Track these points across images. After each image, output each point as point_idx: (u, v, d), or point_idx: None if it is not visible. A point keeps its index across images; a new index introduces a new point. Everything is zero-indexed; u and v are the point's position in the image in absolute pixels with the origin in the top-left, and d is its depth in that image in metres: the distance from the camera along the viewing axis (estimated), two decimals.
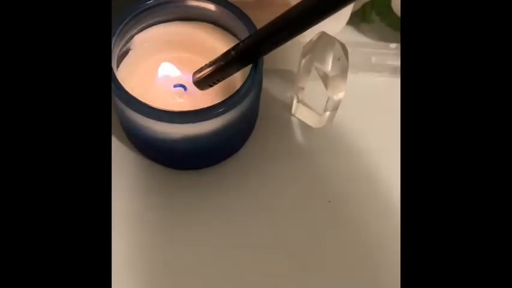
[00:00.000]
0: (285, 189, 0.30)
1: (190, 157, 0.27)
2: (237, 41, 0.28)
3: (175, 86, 0.28)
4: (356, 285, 0.27)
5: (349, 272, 0.28)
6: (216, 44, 0.29)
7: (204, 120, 0.24)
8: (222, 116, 0.24)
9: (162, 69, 0.27)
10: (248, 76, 0.25)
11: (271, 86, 0.33)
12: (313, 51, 0.28)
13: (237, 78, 0.28)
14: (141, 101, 0.24)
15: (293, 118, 0.32)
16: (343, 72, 0.28)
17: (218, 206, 0.29)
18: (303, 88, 0.30)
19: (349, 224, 0.29)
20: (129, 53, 0.28)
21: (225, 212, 0.29)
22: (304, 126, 0.32)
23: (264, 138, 0.31)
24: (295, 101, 0.31)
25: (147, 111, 0.24)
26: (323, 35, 0.28)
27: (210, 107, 0.24)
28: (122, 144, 0.30)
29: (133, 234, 0.28)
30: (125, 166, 0.29)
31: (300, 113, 0.32)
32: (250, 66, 0.26)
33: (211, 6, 0.27)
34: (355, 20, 0.35)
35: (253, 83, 0.25)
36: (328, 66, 0.28)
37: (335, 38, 0.28)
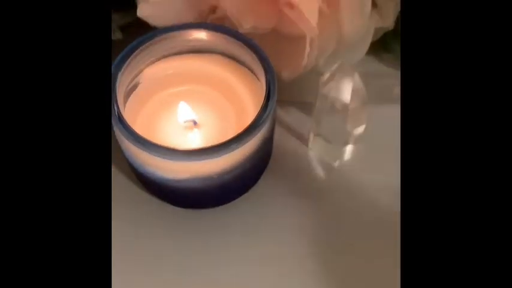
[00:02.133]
0: (299, 234, 0.27)
1: (198, 196, 0.26)
2: (249, 72, 0.27)
3: (185, 121, 0.26)
4: None
5: None
6: (227, 76, 0.27)
7: (213, 157, 0.22)
8: (232, 153, 0.22)
9: (180, 109, 0.26)
10: (261, 108, 0.23)
11: (287, 119, 0.31)
12: (331, 83, 0.26)
13: (250, 110, 0.26)
14: (147, 140, 0.23)
15: (310, 153, 0.30)
16: (362, 103, 0.27)
17: (224, 248, 0.27)
18: (320, 121, 0.29)
19: (370, 270, 0.27)
20: (138, 87, 0.27)
21: (230, 255, 0.27)
22: (321, 162, 0.30)
23: (279, 175, 0.29)
24: (312, 135, 0.30)
25: (154, 150, 0.22)
26: (341, 65, 0.26)
27: (219, 144, 0.22)
28: (129, 181, 0.28)
29: (132, 272, 0.26)
30: (128, 203, 0.28)
31: (318, 147, 0.30)
32: (263, 96, 0.24)
33: (221, 38, 0.26)
34: (376, 49, 0.33)
35: (267, 116, 0.23)
36: (348, 97, 0.26)
37: (354, 68, 0.26)
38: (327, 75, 0.26)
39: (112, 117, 0.23)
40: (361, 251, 0.27)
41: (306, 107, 0.31)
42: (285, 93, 0.31)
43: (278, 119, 0.31)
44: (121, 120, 0.23)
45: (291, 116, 0.31)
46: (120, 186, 0.28)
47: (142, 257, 0.27)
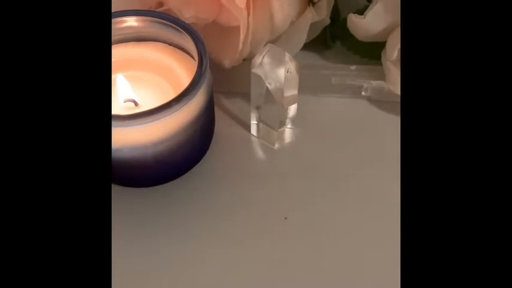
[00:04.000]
0: (241, 207, 0.29)
1: (136, 171, 0.27)
2: (189, 57, 0.29)
3: (125, 101, 0.28)
4: None
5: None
6: (169, 61, 0.29)
7: (146, 123, 0.24)
8: (164, 119, 0.24)
9: (120, 84, 0.28)
10: (194, 76, 0.25)
11: (231, 108, 0.33)
12: (263, 67, 0.28)
13: None
14: None
15: (252, 138, 0.32)
16: (294, 83, 0.28)
17: (168, 225, 0.28)
18: (258, 107, 0.30)
19: (306, 240, 0.28)
20: None
21: (175, 231, 0.28)
22: (263, 146, 0.31)
23: (221, 158, 0.31)
24: (252, 121, 0.31)
25: None
26: (271, 49, 0.28)
27: (151, 109, 0.24)
28: None
29: None
30: None
31: (259, 132, 0.31)
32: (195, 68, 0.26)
33: (161, 25, 0.28)
34: (318, 47, 0.35)
35: (201, 78, 0.25)
36: (280, 79, 0.28)
37: (283, 50, 0.28)
38: (258, 58, 0.28)
39: None
40: (294, 224, 0.28)
41: (248, 97, 0.33)
42: (229, 84, 0.33)
43: (223, 108, 0.33)
44: None
45: (235, 105, 0.33)
46: None
47: None
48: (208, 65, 0.27)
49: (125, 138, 0.25)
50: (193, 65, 0.28)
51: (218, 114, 0.32)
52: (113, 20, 0.27)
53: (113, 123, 0.23)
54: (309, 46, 0.34)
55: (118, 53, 0.29)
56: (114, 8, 0.29)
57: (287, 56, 0.28)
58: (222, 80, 0.32)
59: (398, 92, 0.31)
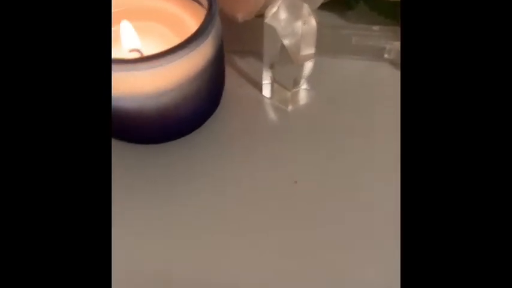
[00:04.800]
0: (250, 166, 0.27)
1: (141, 124, 0.25)
2: (200, 7, 0.27)
3: (130, 51, 0.26)
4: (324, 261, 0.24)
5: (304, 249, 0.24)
6: (175, 11, 0.27)
7: (150, 68, 0.22)
8: (182, 59, 0.22)
9: (124, 32, 0.26)
10: (202, 22, 0.23)
11: (244, 67, 0.31)
12: (277, 18, 0.26)
13: None
14: None
15: (265, 99, 0.30)
16: (312, 39, 0.26)
17: (171, 185, 0.26)
18: (272, 65, 0.29)
19: (312, 204, 0.26)
20: None
21: (179, 192, 0.26)
22: (276, 107, 0.29)
23: (231, 117, 0.29)
24: (265, 81, 0.29)
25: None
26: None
27: (155, 54, 0.22)
28: None
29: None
30: None
31: (272, 92, 0.29)
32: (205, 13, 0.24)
33: None
34: (339, 7, 0.33)
35: (209, 24, 0.23)
36: (296, 33, 0.26)
37: (301, 1, 0.26)
38: (272, 10, 0.26)
39: None
40: (304, 188, 0.26)
41: (261, 57, 0.31)
42: (241, 42, 0.31)
43: (234, 68, 0.31)
44: None
45: (247, 65, 0.31)
46: None
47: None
48: (217, 11, 0.25)
49: (127, 86, 0.23)
50: (202, 14, 0.26)
51: (229, 73, 0.30)
52: None
53: (114, 67, 0.22)
54: (329, 5, 0.32)
55: (120, 2, 0.27)
56: None
57: (305, 8, 0.26)
58: (234, 38, 0.30)
59: None
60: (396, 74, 0.31)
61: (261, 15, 0.29)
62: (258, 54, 0.31)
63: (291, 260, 0.24)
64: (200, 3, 0.26)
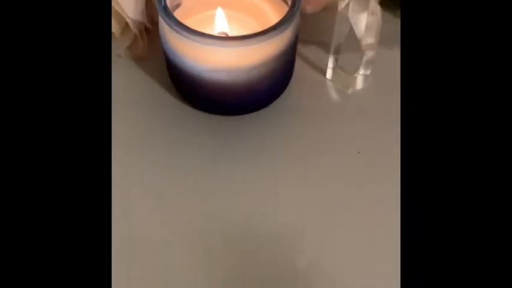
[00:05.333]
0: (315, 141, 0.31)
1: (226, 95, 0.29)
2: (281, 2, 0.31)
3: (218, 33, 0.30)
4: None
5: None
6: (259, 3, 0.31)
7: (242, 46, 0.26)
8: (266, 42, 0.26)
9: (218, 17, 0.30)
10: (286, 13, 0.28)
11: (309, 55, 0.35)
12: (348, 8, 0.30)
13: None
14: (187, 26, 0.27)
15: (328, 82, 0.34)
16: (376, 29, 0.30)
17: (257, 151, 0.30)
18: (337, 51, 0.32)
19: (376, 171, 0.30)
20: (181, 6, 0.31)
21: (252, 160, 0.30)
22: (338, 89, 0.33)
23: (299, 95, 0.33)
24: (330, 65, 0.33)
25: (192, 34, 0.26)
26: None
27: (247, 35, 0.26)
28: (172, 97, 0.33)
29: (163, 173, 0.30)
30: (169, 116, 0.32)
31: (334, 77, 0.33)
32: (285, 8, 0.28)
33: None
34: (393, 3, 0.37)
35: (294, 13, 0.28)
36: (363, 23, 0.30)
37: None
38: (345, 1, 0.30)
39: (159, 13, 0.27)
40: (363, 159, 0.30)
41: (326, 46, 0.35)
42: (309, 32, 0.35)
43: (301, 55, 0.35)
44: (167, 12, 0.27)
45: (312, 52, 0.35)
46: (157, 100, 0.33)
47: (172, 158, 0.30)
48: (299, 7, 0.29)
49: (225, 60, 0.27)
50: (283, 8, 0.30)
51: (298, 58, 0.34)
52: None
53: (205, 40, 0.26)
54: (385, 2, 0.36)
55: None
56: None
57: (373, 1, 0.30)
58: (302, 29, 0.34)
59: None
60: None
61: (325, 9, 0.33)
62: (322, 43, 0.35)
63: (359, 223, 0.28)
64: (284, 0, 0.30)
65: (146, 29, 0.34)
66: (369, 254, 0.27)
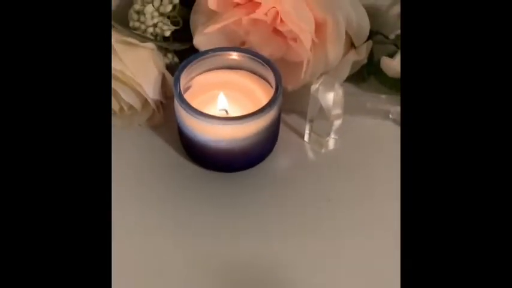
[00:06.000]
0: (296, 191, 0.40)
1: (227, 157, 0.38)
2: (266, 83, 0.40)
3: (220, 110, 0.39)
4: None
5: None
6: (252, 86, 0.41)
7: (239, 123, 0.35)
8: (252, 122, 0.35)
9: (220, 99, 0.40)
10: (272, 95, 0.37)
11: (290, 122, 0.44)
12: (318, 91, 0.39)
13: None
14: (199, 110, 0.36)
15: (305, 143, 0.43)
16: (340, 104, 0.39)
17: (249, 199, 0.39)
18: (312, 120, 0.42)
19: (345, 220, 0.38)
20: (190, 89, 0.40)
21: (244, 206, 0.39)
22: (313, 150, 0.42)
23: (283, 155, 0.42)
24: (307, 131, 0.42)
25: (202, 116, 0.36)
26: (326, 78, 0.39)
27: (243, 115, 0.35)
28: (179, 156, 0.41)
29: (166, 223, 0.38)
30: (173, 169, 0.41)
31: (310, 139, 0.42)
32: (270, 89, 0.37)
33: (247, 58, 0.40)
34: (357, 80, 0.47)
35: (276, 101, 0.37)
36: (330, 100, 0.39)
37: (333, 79, 0.39)
38: (316, 85, 0.39)
39: (175, 98, 0.36)
40: (336, 204, 0.39)
41: (303, 115, 0.44)
42: (290, 103, 0.44)
43: (284, 122, 0.44)
44: (182, 98, 0.36)
45: (293, 120, 0.44)
46: (171, 160, 0.41)
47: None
48: (281, 92, 0.38)
49: (225, 134, 0.36)
50: (269, 90, 0.39)
51: (281, 125, 0.43)
52: (220, 53, 0.39)
53: (223, 122, 0.36)
54: (350, 78, 0.45)
55: (217, 76, 0.40)
56: (209, 45, 0.41)
57: (336, 84, 0.39)
58: (285, 101, 0.43)
59: None
60: (396, 129, 0.44)
61: (303, 86, 0.43)
62: (301, 113, 0.44)
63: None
64: (269, 83, 0.40)
65: (161, 103, 0.43)
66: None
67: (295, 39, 0.40)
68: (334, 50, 0.40)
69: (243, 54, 0.39)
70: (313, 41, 0.39)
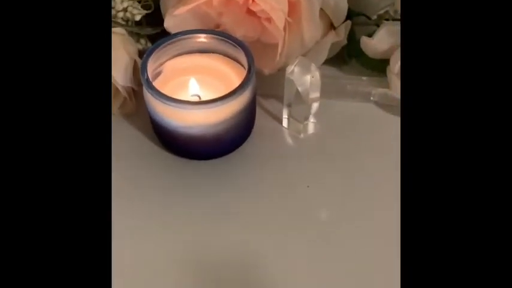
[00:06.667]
0: (274, 178, 0.38)
1: (199, 144, 0.37)
2: (240, 66, 0.39)
3: (192, 95, 0.38)
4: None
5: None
6: (224, 69, 0.39)
7: (211, 107, 0.34)
8: (222, 106, 0.34)
9: (191, 84, 0.38)
10: (244, 78, 0.35)
11: (268, 107, 0.42)
12: (294, 74, 0.38)
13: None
14: (168, 95, 0.34)
15: (283, 129, 0.41)
16: (317, 87, 0.38)
17: (224, 188, 0.38)
18: (289, 105, 0.40)
19: (325, 206, 0.37)
20: (161, 75, 0.39)
21: (223, 191, 0.37)
22: (292, 135, 0.41)
23: (260, 143, 0.40)
24: (285, 116, 0.41)
25: (172, 102, 0.34)
26: (301, 60, 0.37)
27: (214, 98, 0.34)
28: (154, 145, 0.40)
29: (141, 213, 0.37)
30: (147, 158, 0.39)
31: (289, 124, 0.41)
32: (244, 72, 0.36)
33: (219, 40, 0.38)
34: (337, 62, 0.45)
35: (248, 84, 0.35)
36: (307, 83, 0.37)
37: (310, 61, 0.37)
38: (291, 67, 0.38)
39: (143, 85, 0.35)
40: (314, 190, 0.37)
41: (281, 100, 0.42)
42: (267, 88, 0.43)
43: (261, 107, 0.42)
44: (149, 84, 0.35)
45: (271, 104, 0.43)
46: (144, 149, 0.40)
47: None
48: (254, 72, 0.36)
49: (196, 119, 0.35)
50: (243, 72, 0.37)
51: (258, 111, 0.42)
52: (189, 36, 0.37)
53: (184, 106, 0.34)
54: (330, 61, 0.44)
55: (188, 60, 0.39)
56: (181, 29, 0.39)
57: (313, 66, 0.37)
58: (261, 85, 0.41)
59: (399, 97, 0.40)
60: (379, 112, 0.42)
61: (280, 70, 0.41)
62: (278, 97, 0.42)
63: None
64: (242, 65, 0.38)
65: (134, 91, 0.42)
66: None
67: (269, 20, 0.38)
68: (309, 29, 0.38)
69: (212, 36, 0.38)
70: (287, 20, 0.37)
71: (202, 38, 0.38)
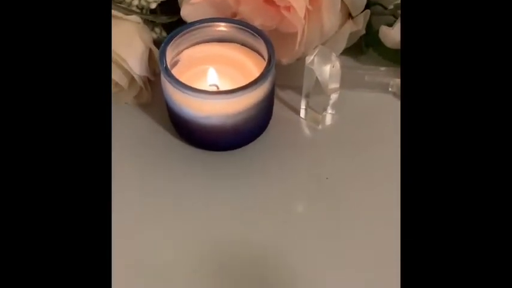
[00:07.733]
0: (292, 170, 0.38)
1: (217, 135, 0.36)
2: (258, 56, 0.38)
3: (210, 85, 0.37)
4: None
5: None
6: (242, 58, 0.38)
7: (230, 98, 0.33)
8: (242, 97, 0.33)
9: (210, 73, 0.37)
10: (264, 69, 0.35)
11: (285, 97, 0.42)
12: (314, 63, 0.37)
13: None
14: (186, 84, 0.34)
15: (301, 120, 0.41)
16: (337, 77, 0.37)
17: (243, 180, 0.37)
18: (307, 95, 0.39)
19: (344, 199, 0.36)
20: (178, 63, 0.38)
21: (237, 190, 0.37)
22: (309, 126, 0.40)
23: (278, 132, 0.40)
24: (302, 106, 0.40)
25: (190, 91, 0.33)
26: (321, 49, 0.37)
27: (234, 89, 0.33)
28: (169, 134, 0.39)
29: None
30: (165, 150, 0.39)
31: (306, 115, 0.40)
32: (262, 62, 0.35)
33: (238, 29, 0.37)
34: (355, 52, 0.44)
35: (268, 74, 0.35)
36: (327, 73, 0.37)
37: (330, 50, 0.37)
38: (311, 56, 0.37)
39: (161, 73, 0.34)
40: (333, 182, 0.37)
41: (299, 90, 0.42)
42: (285, 78, 0.42)
43: (279, 97, 0.42)
44: (168, 72, 0.34)
45: (288, 95, 0.42)
46: (161, 139, 0.39)
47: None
48: (274, 64, 0.36)
49: (215, 109, 0.34)
50: (262, 62, 0.37)
51: (275, 101, 0.41)
52: (208, 24, 0.37)
53: (213, 96, 0.34)
54: (348, 51, 0.43)
55: (206, 49, 0.38)
56: (198, 17, 0.39)
57: (333, 56, 0.37)
58: (279, 75, 0.41)
59: None
60: (397, 103, 0.41)
61: (298, 60, 0.40)
62: (296, 88, 0.41)
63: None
64: (261, 55, 0.37)
65: (149, 80, 0.41)
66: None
67: (288, 8, 0.37)
68: (330, 18, 0.38)
69: (232, 25, 0.37)
70: (307, 8, 0.37)
71: (221, 27, 0.38)
